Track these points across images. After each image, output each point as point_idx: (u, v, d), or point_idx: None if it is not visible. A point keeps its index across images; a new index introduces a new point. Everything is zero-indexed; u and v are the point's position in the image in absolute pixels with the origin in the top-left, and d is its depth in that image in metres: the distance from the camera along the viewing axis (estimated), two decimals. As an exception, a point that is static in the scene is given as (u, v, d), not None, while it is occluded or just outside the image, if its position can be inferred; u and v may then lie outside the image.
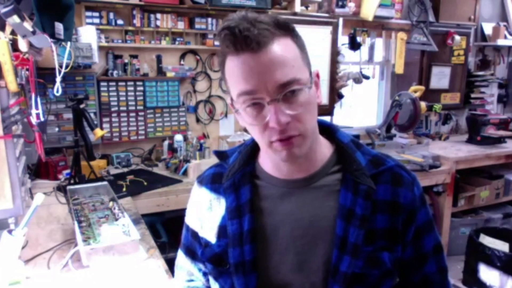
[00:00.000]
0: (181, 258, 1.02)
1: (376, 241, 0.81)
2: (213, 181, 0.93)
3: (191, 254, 0.98)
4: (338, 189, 0.83)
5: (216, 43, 2.89)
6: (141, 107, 2.77)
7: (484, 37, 4.02)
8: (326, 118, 3.23)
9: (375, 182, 0.82)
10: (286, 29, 0.74)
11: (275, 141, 0.75)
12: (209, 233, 0.90)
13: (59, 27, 1.45)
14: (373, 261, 0.80)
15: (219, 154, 0.96)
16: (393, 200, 0.82)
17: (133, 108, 2.75)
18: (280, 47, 0.71)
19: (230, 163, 0.91)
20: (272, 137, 0.75)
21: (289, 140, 0.75)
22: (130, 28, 2.64)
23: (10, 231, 1.20)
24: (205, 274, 0.98)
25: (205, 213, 0.92)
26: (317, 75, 0.81)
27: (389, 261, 0.81)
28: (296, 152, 0.76)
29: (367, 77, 3.43)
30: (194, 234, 0.95)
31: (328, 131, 0.89)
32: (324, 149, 0.86)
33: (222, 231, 0.88)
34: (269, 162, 0.86)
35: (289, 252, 0.83)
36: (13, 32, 1.31)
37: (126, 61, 2.68)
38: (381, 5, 3.28)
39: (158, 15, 2.69)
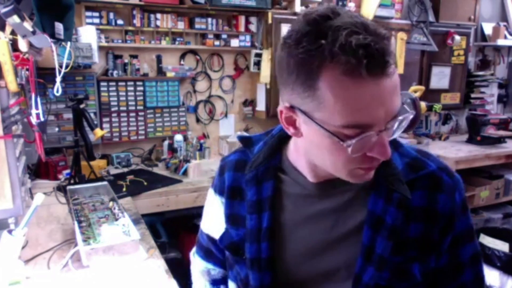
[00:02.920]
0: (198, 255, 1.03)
1: (407, 251, 0.74)
2: (236, 168, 0.88)
3: (211, 241, 0.97)
4: (367, 193, 0.76)
5: (217, 43, 2.89)
6: (141, 107, 2.77)
7: (484, 37, 4.01)
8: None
9: (412, 188, 0.74)
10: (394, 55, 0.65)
11: (364, 168, 0.68)
12: (228, 220, 0.88)
13: (59, 27, 1.45)
14: (401, 274, 0.74)
15: (244, 139, 0.90)
16: (430, 207, 0.74)
17: (133, 108, 2.75)
18: (395, 71, 0.61)
19: (255, 152, 0.86)
20: (364, 165, 0.67)
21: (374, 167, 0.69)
22: (130, 28, 2.64)
23: (10, 231, 1.20)
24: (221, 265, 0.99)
25: (226, 199, 0.89)
26: None
27: (419, 273, 0.75)
28: (372, 174, 0.71)
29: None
30: (217, 219, 0.92)
31: None
32: None
33: (240, 220, 0.85)
34: (304, 163, 0.78)
35: (308, 253, 0.80)
36: (13, 32, 1.31)
37: (126, 61, 2.68)
38: (381, 5, 3.28)
39: (158, 15, 2.69)
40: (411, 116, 0.65)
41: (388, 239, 0.73)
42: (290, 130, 0.71)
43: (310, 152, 0.73)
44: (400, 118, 0.63)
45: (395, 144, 0.78)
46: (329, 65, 0.58)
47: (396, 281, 0.74)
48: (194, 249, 1.07)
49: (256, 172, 0.83)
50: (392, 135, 0.66)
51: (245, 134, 0.83)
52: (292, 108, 0.67)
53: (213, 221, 0.95)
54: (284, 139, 0.84)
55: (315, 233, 0.79)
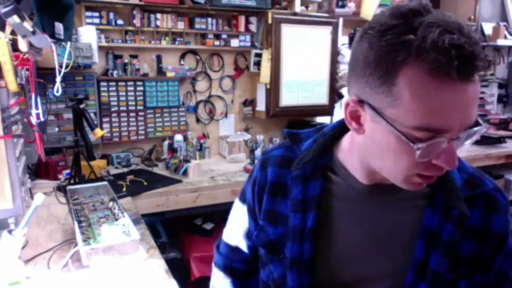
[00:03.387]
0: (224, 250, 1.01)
1: (458, 268, 0.73)
2: (280, 164, 0.85)
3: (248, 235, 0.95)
4: (422, 205, 0.74)
5: (217, 43, 2.89)
6: (141, 107, 2.77)
7: (484, 37, 4.01)
8: (326, 119, 3.24)
9: (468, 205, 0.73)
10: None
11: (424, 176, 0.64)
12: (265, 217, 0.85)
13: (59, 27, 1.45)
14: None
15: (292, 135, 0.87)
16: (484, 227, 0.73)
17: (133, 108, 2.75)
18: (479, 82, 0.59)
19: (303, 149, 0.83)
20: (425, 172, 0.63)
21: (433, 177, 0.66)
22: (130, 28, 2.64)
23: (10, 231, 1.20)
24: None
25: (265, 196, 0.85)
26: None
27: None
28: (425, 185, 0.67)
29: (367, 77, 3.42)
30: (252, 213, 0.91)
31: None
32: None
33: (280, 219, 0.83)
34: (357, 164, 0.75)
35: (351, 258, 0.78)
36: (13, 32, 1.31)
37: (126, 61, 2.68)
38: (381, 5, 3.28)
39: (158, 15, 2.69)
40: (484, 130, 0.62)
41: (444, 255, 0.72)
42: (352, 125, 0.68)
43: (369, 151, 0.69)
44: (475, 129, 0.60)
45: None
46: (414, 62, 0.56)
47: None
48: (214, 258, 1.05)
49: (304, 170, 0.80)
50: (461, 146, 0.62)
51: (292, 129, 0.81)
52: (361, 102, 0.64)
53: (234, 229, 0.96)
54: (336, 137, 0.81)
55: (362, 237, 0.77)
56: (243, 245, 0.98)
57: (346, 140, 0.79)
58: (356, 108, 0.66)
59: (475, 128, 0.60)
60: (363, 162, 0.73)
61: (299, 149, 0.84)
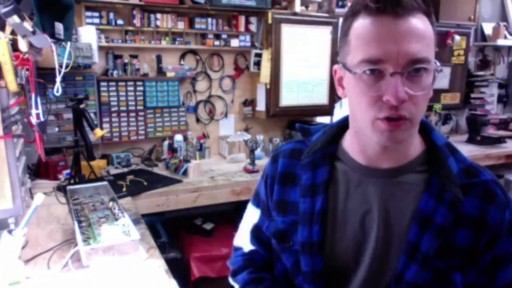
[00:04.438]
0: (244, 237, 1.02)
1: (451, 258, 0.74)
2: (291, 156, 0.91)
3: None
4: (420, 190, 0.77)
5: (217, 43, 2.89)
6: (141, 107, 2.77)
7: (484, 37, 4.01)
8: (326, 118, 3.24)
9: (464, 194, 0.74)
10: (428, 11, 0.70)
11: (383, 118, 0.69)
12: (275, 207, 0.90)
13: (59, 27, 1.45)
14: (443, 279, 0.74)
15: (303, 130, 0.93)
16: (480, 217, 0.74)
17: (133, 108, 2.75)
18: (422, 22, 0.68)
19: (313, 141, 0.89)
20: (381, 113, 0.69)
21: (397, 121, 0.69)
22: (130, 28, 2.64)
23: (10, 231, 1.20)
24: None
25: (276, 185, 0.90)
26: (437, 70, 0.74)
27: (461, 284, 0.74)
28: (398, 137, 0.71)
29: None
30: (265, 207, 0.95)
31: (423, 128, 0.82)
32: (417, 145, 0.80)
33: (289, 207, 0.87)
34: (356, 145, 0.81)
35: (355, 241, 0.81)
36: (13, 32, 1.31)
37: (126, 61, 2.68)
38: None
39: (158, 15, 2.69)
40: (432, 74, 0.69)
41: (435, 237, 0.74)
42: (339, 91, 0.79)
43: (350, 109, 0.78)
44: (421, 66, 0.67)
45: (451, 149, 0.80)
46: (358, 15, 0.70)
47: (436, 285, 0.74)
48: (230, 271, 1.03)
49: (313, 158, 0.86)
50: (412, 88, 0.67)
51: (304, 125, 0.90)
52: (339, 65, 0.76)
53: (245, 231, 1.00)
54: (343, 129, 0.87)
55: (366, 221, 0.80)
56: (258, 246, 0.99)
57: (350, 124, 0.84)
58: (339, 74, 0.78)
59: (421, 65, 0.67)
60: (358, 140, 0.80)
61: (309, 141, 0.90)
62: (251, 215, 1.00)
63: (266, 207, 0.94)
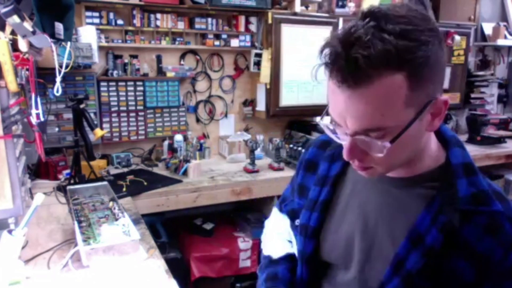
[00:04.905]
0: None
1: (440, 281, 0.71)
2: (319, 146, 0.97)
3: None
4: (422, 205, 0.74)
5: (217, 43, 2.89)
6: (141, 107, 2.77)
7: (484, 37, 4.01)
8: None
9: (466, 221, 0.70)
10: (401, 63, 0.61)
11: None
12: (297, 189, 0.98)
13: (59, 27, 1.45)
14: None
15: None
16: (477, 248, 0.69)
17: (133, 108, 2.75)
18: (376, 91, 0.61)
19: None
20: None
21: (365, 168, 0.73)
22: (130, 28, 2.64)
23: (10, 231, 1.20)
24: None
25: (301, 170, 0.99)
26: (445, 103, 0.70)
27: None
28: (375, 175, 0.74)
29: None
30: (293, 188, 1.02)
31: (444, 143, 0.79)
32: (429, 160, 0.76)
33: (306, 192, 0.94)
34: None
35: (347, 238, 0.83)
36: (13, 32, 1.31)
37: (126, 61, 2.68)
38: (381, 5, 3.27)
39: (158, 15, 2.69)
40: (380, 154, 0.66)
41: (422, 256, 0.71)
42: None
43: None
44: (365, 138, 0.66)
45: (468, 170, 0.74)
46: (330, 74, 0.67)
47: None
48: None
49: (334, 151, 0.90)
50: (368, 150, 0.69)
51: None
52: None
53: (274, 239, 1.03)
54: None
55: (360, 222, 0.81)
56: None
57: None
58: None
59: (370, 135, 0.65)
60: None
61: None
62: (276, 219, 1.08)
63: (294, 188, 1.02)
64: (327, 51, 0.64)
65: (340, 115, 0.67)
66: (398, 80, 0.61)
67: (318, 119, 0.77)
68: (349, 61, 0.61)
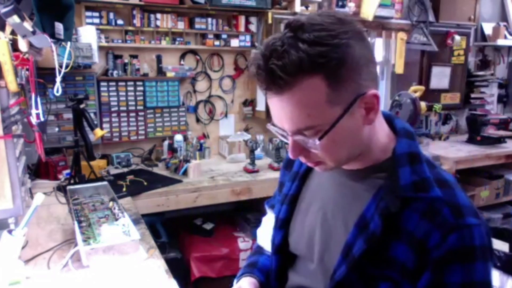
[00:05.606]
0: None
1: (385, 267, 0.73)
2: None
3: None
4: (371, 196, 0.78)
5: (217, 43, 2.90)
6: (141, 107, 2.77)
7: (484, 37, 4.01)
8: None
9: (406, 206, 0.72)
10: (315, 67, 0.65)
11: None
12: (279, 186, 1.05)
13: (59, 27, 1.45)
14: (369, 286, 0.74)
15: None
16: (415, 233, 0.71)
17: (133, 108, 2.75)
18: (297, 94, 0.67)
19: None
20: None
21: (314, 163, 0.79)
22: (130, 28, 2.64)
23: (10, 231, 1.20)
24: None
25: (281, 169, 1.06)
26: (375, 96, 0.71)
27: None
28: (327, 170, 0.79)
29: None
30: (267, 228, 1.06)
31: (396, 133, 0.82)
32: (379, 152, 0.79)
33: (283, 187, 1.01)
34: None
35: (309, 231, 0.88)
36: (13, 32, 1.31)
37: (126, 61, 2.68)
38: (381, 5, 3.27)
39: (158, 15, 2.69)
40: (315, 151, 0.73)
41: (364, 242, 0.74)
42: None
43: None
44: (301, 138, 0.72)
45: (413, 159, 0.76)
46: None
47: None
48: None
49: None
50: (309, 147, 0.74)
51: None
52: None
53: (265, 232, 1.06)
54: None
55: (321, 214, 0.86)
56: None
57: None
58: None
59: (304, 133, 0.71)
60: None
61: None
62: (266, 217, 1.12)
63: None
64: (252, 64, 0.70)
65: (277, 118, 0.74)
66: (316, 83, 0.67)
67: (268, 124, 0.80)
68: (268, 72, 0.67)
